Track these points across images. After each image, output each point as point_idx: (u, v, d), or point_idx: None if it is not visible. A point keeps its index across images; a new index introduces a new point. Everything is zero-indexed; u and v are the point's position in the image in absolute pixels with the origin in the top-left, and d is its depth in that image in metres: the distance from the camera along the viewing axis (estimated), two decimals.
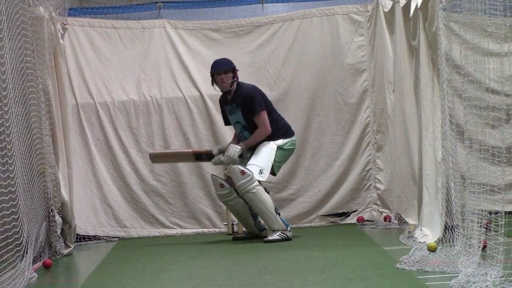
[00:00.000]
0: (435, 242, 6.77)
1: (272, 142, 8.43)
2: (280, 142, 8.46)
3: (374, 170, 9.68)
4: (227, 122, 8.76)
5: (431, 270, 5.82)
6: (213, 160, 8.57)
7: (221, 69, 8.40)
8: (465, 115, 6.07)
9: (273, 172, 8.50)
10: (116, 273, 6.85)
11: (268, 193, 8.39)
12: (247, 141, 8.44)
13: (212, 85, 8.54)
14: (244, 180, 8.18)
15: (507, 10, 6.26)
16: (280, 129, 8.50)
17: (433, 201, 7.38)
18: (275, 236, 8.23)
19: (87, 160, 9.54)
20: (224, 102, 8.64)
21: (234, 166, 8.25)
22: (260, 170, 8.28)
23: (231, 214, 9.19)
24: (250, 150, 8.48)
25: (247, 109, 8.38)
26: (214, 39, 9.72)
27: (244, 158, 8.45)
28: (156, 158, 8.92)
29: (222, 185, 8.46)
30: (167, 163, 9.32)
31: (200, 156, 8.74)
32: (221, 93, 8.60)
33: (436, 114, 7.33)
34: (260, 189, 8.22)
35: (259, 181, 8.24)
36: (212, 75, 8.47)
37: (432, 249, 6.52)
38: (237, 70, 8.49)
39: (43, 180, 7.81)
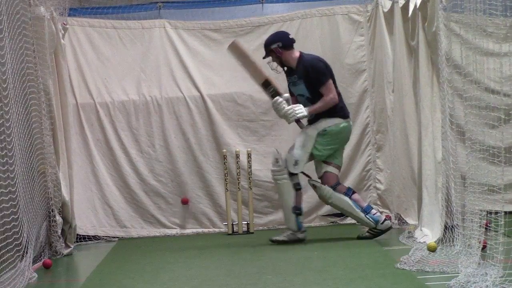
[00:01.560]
0: (435, 242, 6.77)
1: (313, 128, 8.12)
2: (322, 125, 8.11)
3: (374, 170, 9.68)
4: (291, 93, 8.34)
5: (431, 270, 5.83)
6: (274, 99, 8.14)
7: (264, 57, 8.25)
8: (465, 115, 6.07)
9: (316, 156, 8.14)
10: (116, 273, 6.86)
11: (300, 189, 8.14)
12: (313, 108, 8.06)
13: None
14: (275, 168, 8.08)
15: (507, 10, 6.26)
16: (331, 108, 8.15)
17: (433, 201, 7.39)
18: (282, 237, 8.09)
19: (87, 160, 9.54)
20: (288, 73, 8.28)
21: (289, 153, 8.07)
22: (296, 161, 8.06)
23: (231, 213, 9.21)
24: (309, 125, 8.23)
25: (311, 81, 8.07)
26: (214, 39, 9.72)
27: (300, 125, 8.19)
28: (234, 48, 8.43)
29: (277, 161, 8.13)
30: (238, 61, 8.54)
31: (268, 86, 8.24)
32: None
33: (435, 114, 7.34)
34: (286, 183, 8.03)
35: (291, 173, 8.03)
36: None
37: (432, 249, 6.53)
38: (278, 46, 8.15)
39: (43, 180, 7.81)
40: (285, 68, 8.26)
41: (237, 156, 9.24)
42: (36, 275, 6.67)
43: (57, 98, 8.17)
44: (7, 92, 6.33)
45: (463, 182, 6.24)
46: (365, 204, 8.24)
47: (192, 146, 9.59)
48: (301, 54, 8.24)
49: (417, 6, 7.46)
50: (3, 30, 6.28)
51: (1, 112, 6.25)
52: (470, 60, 6.04)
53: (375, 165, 9.68)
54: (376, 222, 8.14)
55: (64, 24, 8.67)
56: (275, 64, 8.27)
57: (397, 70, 8.66)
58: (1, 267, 5.94)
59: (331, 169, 8.17)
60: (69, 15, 9.09)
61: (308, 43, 9.64)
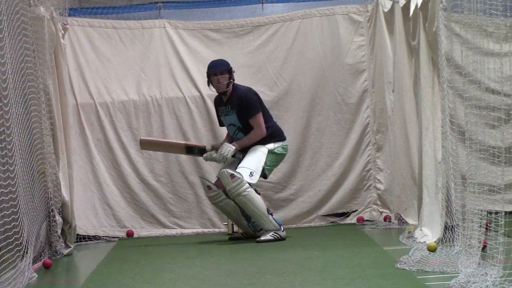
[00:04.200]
0: (435, 242, 6.77)
1: (263, 146, 8.46)
2: (271, 146, 8.49)
3: (374, 170, 9.68)
4: (221, 123, 8.77)
5: (431, 270, 5.82)
6: (204, 155, 8.59)
7: (217, 70, 8.43)
8: (465, 115, 6.07)
9: (264, 175, 8.49)
10: (116, 273, 6.85)
11: (259, 194, 8.41)
12: (241, 141, 8.47)
13: (208, 85, 8.57)
14: (234, 184, 8.20)
15: (507, 10, 6.26)
16: (273, 133, 8.53)
17: (433, 201, 7.38)
18: (268, 236, 8.27)
19: (87, 160, 9.54)
20: (219, 103, 8.66)
21: (223, 170, 8.29)
22: (251, 173, 8.30)
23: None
24: (242, 152, 8.51)
25: (243, 111, 8.42)
26: (214, 39, 9.72)
27: (236, 158, 8.47)
28: (145, 145, 8.85)
29: (209, 188, 8.48)
30: (157, 151, 9.25)
31: (192, 149, 8.67)
32: (217, 94, 8.61)
33: (436, 114, 7.33)
34: (251, 191, 8.24)
35: (249, 184, 8.26)
36: (208, 75, 8.51)
37: (432, 249, 6.52)
38: (234, 72, 8.52)
39: (43, 180, 7.81)
40: (223, 98, 8.55)
41: None
42: (36, 275, 6.67)
43: (57, 98, 8.17)
44: (7, 92, 6.33)
45: (463, 182, 6.24)
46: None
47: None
48: (235, 84, 8.54)
49: (418, 6, 7.46)
50: (3, 30, 6.28)
51: (1, 112, 6.25)
52: (470, 60, 6.04)
53: (375, 165, 9.68)
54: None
55: (64, 24, 8.66)
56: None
57: (398, 70, 8.66)
58: (1, 267, 5.94)
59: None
60: (69, 15, 9.08)
61: (308, 43, 9.65)
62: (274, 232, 8.28)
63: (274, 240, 8.23)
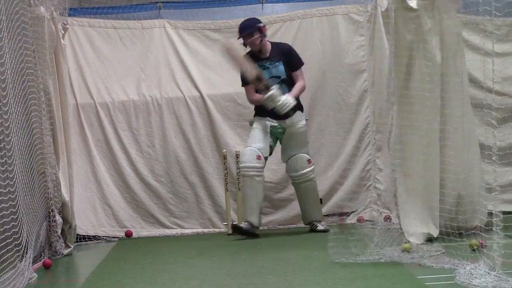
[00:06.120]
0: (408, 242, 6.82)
1: (304, 121, 8.77)
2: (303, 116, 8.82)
3: (374, 170, 9.67)
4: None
5: (431, 270, 5.83)
6: (269, 94, 8.47)
7: (247, 33, 8.63)
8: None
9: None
10: (116, 273, 6.85)
11: None
12: (293, 93, 8.62)
13: (245, 46, 8.72)
14: (310, 169, 8.66)
15: (507, 10, 6.26)
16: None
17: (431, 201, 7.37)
18: (323, 227, 8.75)
19: (87, 160, 9.54)
20: (254, 58, 8.71)
21: (301, 154, 8.63)
22: (309, 160, 8.76)
23: (231, 213, 9.21)
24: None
25: (290, 63, 8.69)
26: (214, 39, 9.72)
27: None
28: (227, 50, 8.79)
29: (259, 157, 8.57)
30: (230, 61, 8.91)
31: (261, 80, 8.52)
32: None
33: None
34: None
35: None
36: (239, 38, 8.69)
37: (407, 249, 6.57)
38: (264, 26, 8.75)
39: (43, 180, 7.81)
40: (261, 54, 8.71)
41: (237, 156, 9.23)
42: (36, 275, 6.67)
43: (57, 98, 8.17)
44: (6, 92, 6.33)
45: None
46: None
47: (192, 146, 9.59)
48: (272, 41, 8.87)
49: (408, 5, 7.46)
50: (2, 30, 6.28)
51: (0, 112, 6.25)
52: (470, 60, 6.05)
53: (375, 165, 9.67)
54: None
55: (64, 24, 8.67)
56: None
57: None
58: (1, 267, 5.94)
59: None
60: (69, 15, 9.08)
61: (308, 43, 9.65)
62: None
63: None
